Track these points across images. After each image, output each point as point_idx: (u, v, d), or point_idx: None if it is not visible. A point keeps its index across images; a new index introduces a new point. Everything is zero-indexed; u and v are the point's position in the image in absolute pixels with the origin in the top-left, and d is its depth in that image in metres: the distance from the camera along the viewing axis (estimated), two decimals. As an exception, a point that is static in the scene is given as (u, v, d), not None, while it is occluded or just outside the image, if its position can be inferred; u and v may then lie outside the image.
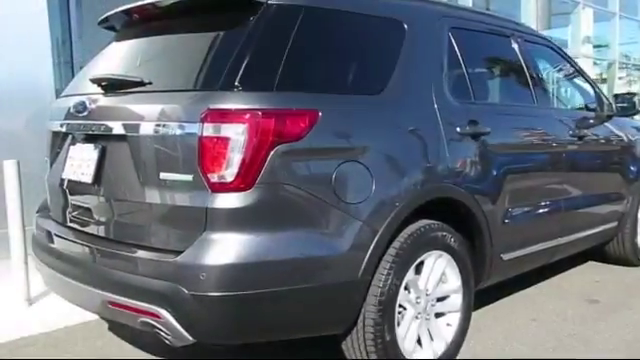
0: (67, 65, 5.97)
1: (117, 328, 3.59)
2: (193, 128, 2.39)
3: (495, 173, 3.28)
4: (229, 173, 2.35)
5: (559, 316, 3.87)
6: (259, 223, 2.39)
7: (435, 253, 2.96)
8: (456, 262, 3.04)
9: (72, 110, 2.86)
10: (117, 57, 3.05)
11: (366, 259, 2.59)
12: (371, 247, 2.61)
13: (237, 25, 2.53)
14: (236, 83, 2.41)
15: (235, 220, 2.36)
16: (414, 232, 2.82)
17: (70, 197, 2.92)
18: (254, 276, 2.36)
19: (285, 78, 2.49)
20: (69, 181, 2.90)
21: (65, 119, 2.99)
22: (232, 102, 2.39)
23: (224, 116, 2.37)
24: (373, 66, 2.86)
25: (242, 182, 2.35)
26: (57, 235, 2.97)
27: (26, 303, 4.12)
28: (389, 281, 2.70)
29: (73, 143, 2.93)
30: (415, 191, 2.80)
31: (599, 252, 4.88)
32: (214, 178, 2.36)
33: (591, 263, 5.07)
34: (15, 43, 4.91)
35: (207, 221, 2.36)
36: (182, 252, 2.33)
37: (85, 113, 2.78)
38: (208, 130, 2.37)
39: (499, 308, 4.00)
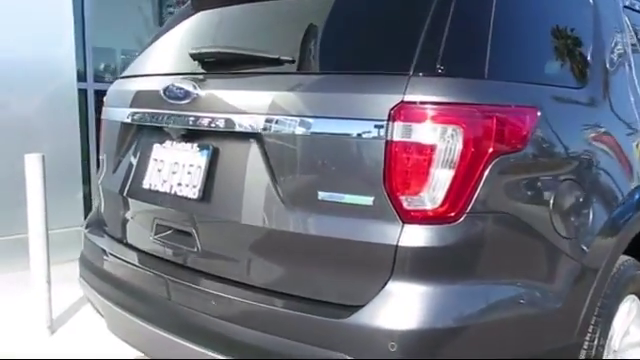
0: (79, 45, 5.04)
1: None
2: (376, 129, 1.67)
3: None
4: (432, 197, 1.64)
5: None
6: (470, 270, 1.69)
7: (630, 298, 2.26)
8: None
9: (163, 95, 2.10)
10: (213, 24, 2.28)
11: (583, 313, 1.93)
12: (589, 296, 1.93)
13: None
14: (438, 65, 1.68)
15: (438, 265, 1.65)
16: (616, 272, 2.12)
17: (155, 215, 2.17)
18: (466, 345, 1.67)
19: (496, 61, 1.77)
20: (155, 193, 2.15)
21: (142, 107, 2.26)
22: (436, 92, 1.66)
23: (427, 113, 1.64)
24: (577, 51, 2.13)
25: (450, 210, 1.64)
26: (126, 262, 2.25)
27: (48, 331, 3.40)
28: (595, 341, 2.02)
29: (161, 140, 2.17)
30: (635, 216, 2.11)
31: None
32: (408, 203, 1.64)
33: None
34: (34, 20, 4.10)
35: (395, 265, 1.64)
36: (356, 309, 1.65)
37: (187, 100, 2.03)
38: (401, 132, 1.65)
39: None
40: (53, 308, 3.41)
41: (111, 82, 6.03)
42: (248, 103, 1.88)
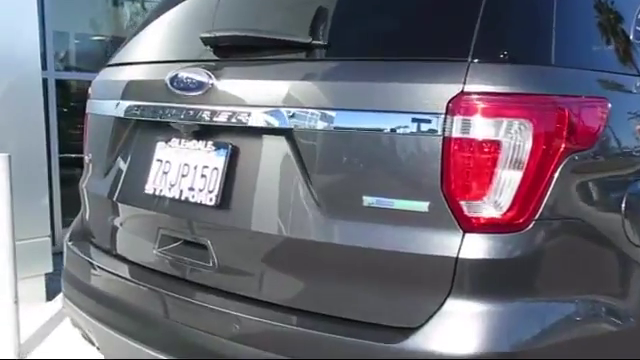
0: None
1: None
2: (431, 124, 1.64)
3: None
4: (497, 201, 1.62)
5: None
6: (539, 285, 1.68)
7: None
8: None
9: (169, 86, 2.06)
10: (226, 2, 2.24)
11: None
12: None
13: None
14: (501, 49, 1.66)
15: (504, 279, 1.63)
16: None
17: (160, 224, 2.15)
18: None
19: (562, 45, 1.75)
20: (160, 199, 2.11)
21: (140, 99, 2.23)
22: (501, 81, 1.63)
23: (491, 105, 1.62)
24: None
25: (518, 216, 1.62)
26: (125, 279, 2.22)
27: (15, 357, 3.37)
28: None
29: (166, 138, 2.13)
30: None
31: None
32: (470, 208, 1.62)
33: None
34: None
35: (455, 280, 1.62)
36: (409, 332, 1.63)
37: (199, 92, 1.99)
38: (461, 127, 1.62)
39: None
40: (21, 331, 3.39)
41: (77, 71, 5.98)
42: (275, 94, 1.85)
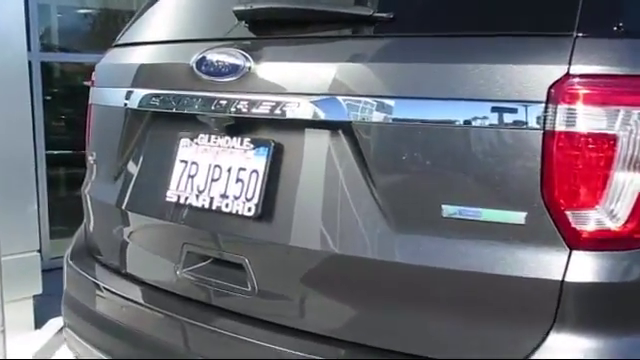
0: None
1: None
2: (527, 113, 1.61)
3: None
4: (613, 210, 1.59)
5: None
6: None
7: None
8: None
9: (196, 70, 2.07)
10: None
11: None
12: None
13: None
14: (616, 21, 1.62)
15: (621, 308, 1.62)
16: None
17: (185, 239, 2.17)
18: None
19: None
20: (184, 208, 2.14)
21: (158, 86, 2.25)
22: (616, 61, 1.60)
23: (605, 90, 1.59)
24: None
25: (638, 229, 1.59)
26: (142, 306, 2.28)
27: None
28: None
29: (191, 134, 2.15)
30: None
31: None
32: (578, 220, 1.59)
33: None
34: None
35: (560, 309, 1.59)
36: None
37: (234, 77, 2.00)
38: (567, 118, 1.58)
39: None
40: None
41: (66, 52, 6.01)
42: (330, 79, 1.83)
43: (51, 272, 4.18)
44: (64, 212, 5.42)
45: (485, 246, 1.66)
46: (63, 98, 6.16)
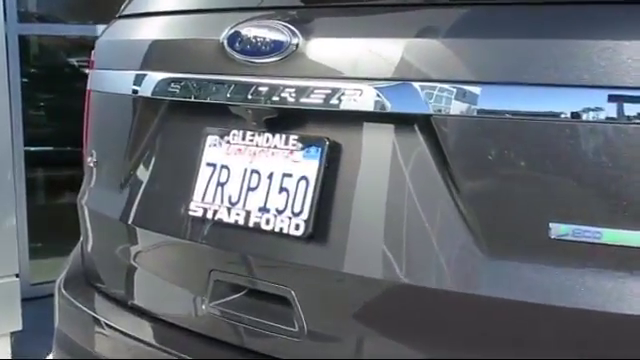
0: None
1: None
2: None
3: None
4: None
5: None
6: None
7: None
8: None
9: (227, 48, 2.12)
10: None
11: None
12: None
13: None
14: None
15: None
16: None
17: (213, 264, 2.23)
18: None
19: None
20: (213, 225, 2.19)
21: (179, 69, 2.30)
22: None
23: None
24: None
25: None
26: (151, 346, 2.35)
27: None
28: None
29: (221, 131, 2.20)
30: None
31: None
32: None
33: None
34: None
35: None
36: None
37: (276, 58, 2.03)
38: None
39: None
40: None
41: (48, 22, 6.09)
42: (401, 61, 1.86)
43: (31, 301, 4.23)
44: (46, 225, 5.49)
45: (609, 278, 1.67)
46: (46, 80, 6.25)
